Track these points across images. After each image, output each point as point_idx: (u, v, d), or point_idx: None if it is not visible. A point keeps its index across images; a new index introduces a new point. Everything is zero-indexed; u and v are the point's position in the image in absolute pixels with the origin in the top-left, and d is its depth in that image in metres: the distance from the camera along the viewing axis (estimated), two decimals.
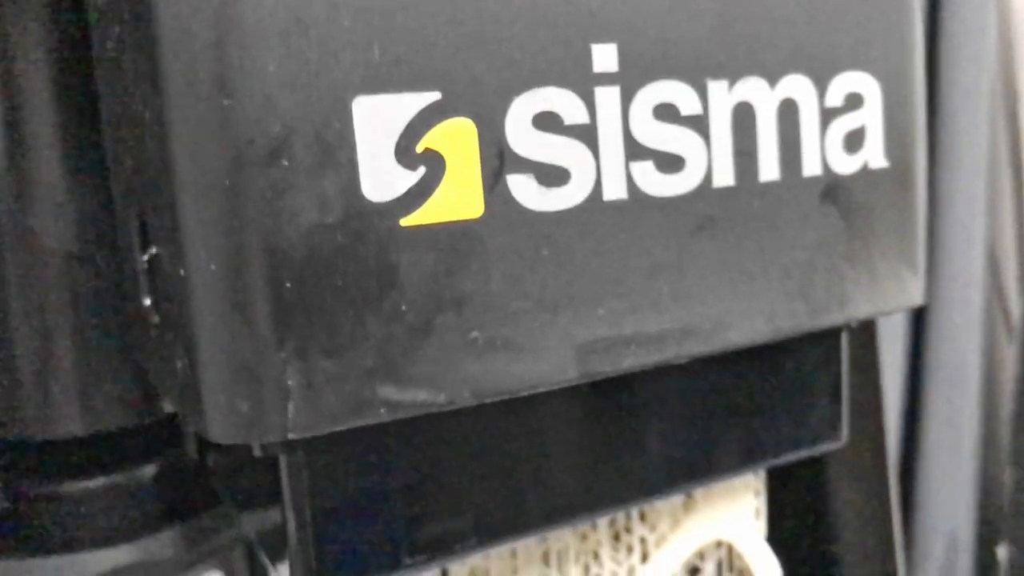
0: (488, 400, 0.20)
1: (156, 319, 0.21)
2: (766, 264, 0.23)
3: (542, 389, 0.21)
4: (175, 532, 0.29)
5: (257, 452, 0.21)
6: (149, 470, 0.29)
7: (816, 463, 0.33)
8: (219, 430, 0.18)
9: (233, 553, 0.31)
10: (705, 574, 0.30)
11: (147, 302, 0.22)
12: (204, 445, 0.30)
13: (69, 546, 0.27)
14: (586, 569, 0.28)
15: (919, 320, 0.59)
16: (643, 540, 0.28)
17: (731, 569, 0.30)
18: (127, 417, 0.27)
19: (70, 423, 0.27)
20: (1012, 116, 0.67)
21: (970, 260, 0.58)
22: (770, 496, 0.31)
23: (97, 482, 0.28)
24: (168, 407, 0.28)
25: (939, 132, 0.54)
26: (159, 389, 0.23)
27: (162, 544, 0.29)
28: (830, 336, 0.27)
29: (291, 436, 0.18)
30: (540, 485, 0.23)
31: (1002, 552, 0.60)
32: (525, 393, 0.20)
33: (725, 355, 0.25)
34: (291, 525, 0.21)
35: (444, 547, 0.22)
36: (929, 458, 0.61)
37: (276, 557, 0.26)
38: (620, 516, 0.29)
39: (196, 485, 0.30)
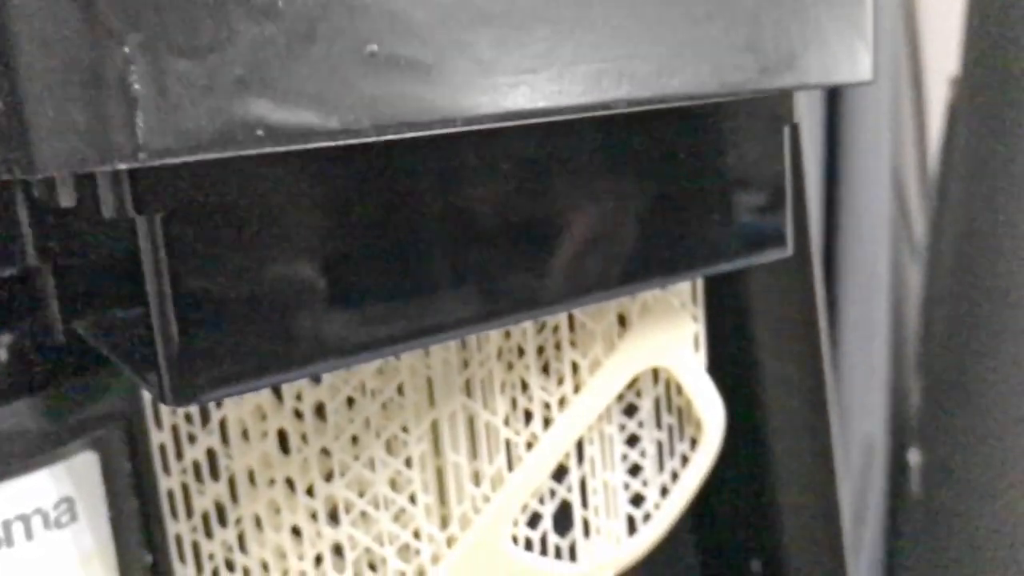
0: (391, 133, 0.16)
1: None
2: (710, 8, 0.20)
3: (458, 125, 0.17)
4: (32, 402, 0.27)
5: (107, 211, 0.17)
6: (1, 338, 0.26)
7: (742, 296, 0.30)
8: (50, 156, 0.14)
9: (108, 432, 0.28)
10: (643, 412, 0.27)
11: None
12: (70, 309, 0.26)
13: None
14: (513, 402, 0.25)
15: (832, 239, 0.59)
16: (575, 367, 0.25)
17: (670, 408, 0.28)
18: None
19: None
20: (913, 41, 0.68)
21: (876, 183, 0.58)
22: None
23: None
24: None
25: None
26: None
27: (16, 415, 0.27)
28: (772, 127, 0.25)
29: (143, 157, 0.14)
30: (446, 277, 0.20)
31: (913, 456, 0.61)
32: (437, 129, 0.17)
33: (666, 134, 0.22)
34: (154, 316, 0.17)
35: (342, 347, 0.19)
36: (846, 367, 0.61)
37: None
38: (549, 342, 0.25)
39: (62, 356, 0.26)
